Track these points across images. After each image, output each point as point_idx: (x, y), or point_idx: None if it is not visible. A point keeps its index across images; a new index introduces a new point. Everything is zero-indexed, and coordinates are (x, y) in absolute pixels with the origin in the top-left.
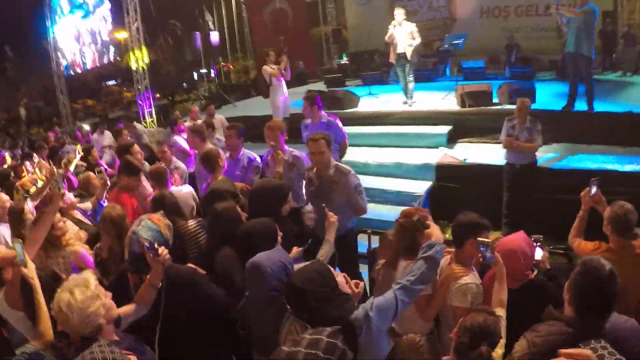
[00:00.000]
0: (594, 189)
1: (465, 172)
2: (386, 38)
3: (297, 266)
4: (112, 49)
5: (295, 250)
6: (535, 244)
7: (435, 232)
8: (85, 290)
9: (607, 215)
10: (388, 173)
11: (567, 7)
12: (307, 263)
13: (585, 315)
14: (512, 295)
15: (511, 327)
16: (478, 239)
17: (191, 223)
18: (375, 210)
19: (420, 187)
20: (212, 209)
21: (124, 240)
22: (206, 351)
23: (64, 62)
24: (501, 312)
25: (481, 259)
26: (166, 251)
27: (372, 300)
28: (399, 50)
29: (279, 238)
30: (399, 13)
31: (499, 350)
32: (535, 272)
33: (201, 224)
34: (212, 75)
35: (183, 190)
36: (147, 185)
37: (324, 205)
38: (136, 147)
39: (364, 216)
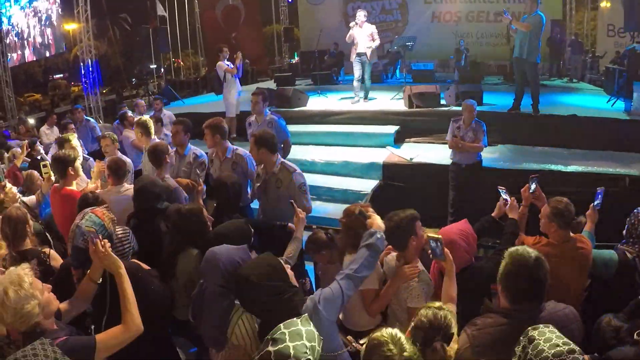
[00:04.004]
0: (533, 186)
1: (411, 171)
2: (347, 38)
3: None
4: (60, 40)
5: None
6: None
7: (376, 221)
8: (19, 290)
9: (549, 212)
10: (335, 171)
11: (518, 21)
12: (259, 256)
13: (518, 303)
14: None
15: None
16: (428, 235)
17: (119, 230)
18: (322, 208)
19: (366, 185)
20: (176, 210)
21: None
22: (148, 345)
23: (11, 54)
24: (452, 307)
25: (431, 256)
26: (108, 244)
27: (319, 292)
28: (359, 50)
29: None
30: (360, 14)
31: (454, 345)
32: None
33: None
34: (162, 71)
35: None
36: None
37: (292, 201)
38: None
39: (311, 213)
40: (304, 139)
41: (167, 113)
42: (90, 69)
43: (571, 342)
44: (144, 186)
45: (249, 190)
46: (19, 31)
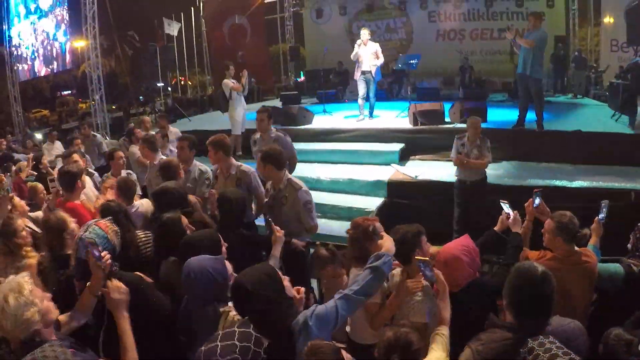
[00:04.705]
0: (537, 200)
1: (416, 188)
2: (352, 56)
3: None
4: (68, 56)
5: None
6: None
7: (386, 243)
8: (18, 297)
9: (553, 226)
10: (340, 189)
11: (522, 37)
12: (257, 265)
13: (524, 318)
14: (456, 297)
15: (456, 329)
16: (417, 257)
17: (140, 234)
18: (327, 226)
19: (372, 203)
20: (158, 218)
21: (66, 246)
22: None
23: (20, 67)
24: (445, 330)
25: (423, 278)
26: (108, 256)
27: (313, 308)
28: (364, 68)
29: (224, 249)
30: (365, 33)
31: None
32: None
33: (150, 237)
34: (169, 89)
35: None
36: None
37: (269, 218)
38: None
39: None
40: (310, 156)
41: (173, 130)
42: (98, 85)
43: (572, 353)
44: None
45: (253, 207)
46: (29, 45)
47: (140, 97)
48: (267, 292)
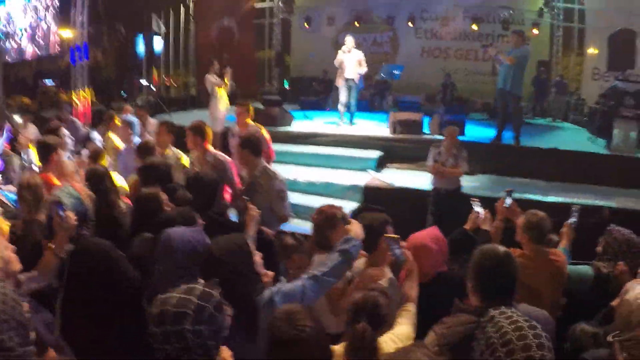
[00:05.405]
0: (508, 200)
1: (391, 195)
2: (335, 62)
3: None
4: (55, 41)
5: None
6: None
7: (354, 227)
8: None
9: (521, 223)
10: (316, 191)
11: (504, 53)
12: (229, 235)
13: (490, 300)
14: (424, 289)
15: (424, 321)
16: (386, 235)
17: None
18: (301, 226)
19: (347, 207)
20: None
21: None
22: (109, 331)
23: (9, 44)
24: (411, 307)
25: (392, 256)
26: (74, 217)
27: (279, 285)
28: (347, 75)
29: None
30: (349, 40)
31: (398, 342)
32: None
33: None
34: (152, 87)
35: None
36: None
37: (246, 198)
38: None
39: (290, 230)
40: (287, 158)
41: (152, 121)
42: (82, 73)
43: (538, 327)
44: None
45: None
46: (20, 27)
47: (123, 92)
48: (235, 262)
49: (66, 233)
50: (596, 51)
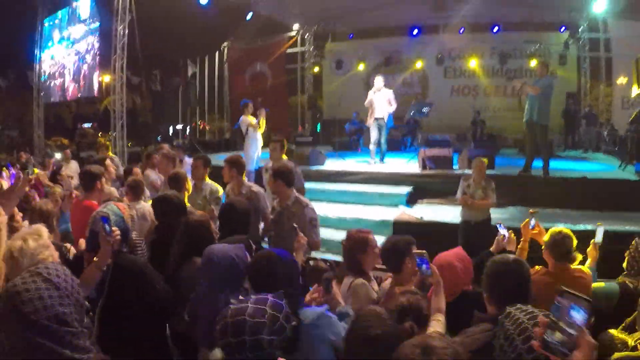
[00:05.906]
0: (533, 221)
1: (421, 229)
2: (365, 103)
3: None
4: (96, 84)
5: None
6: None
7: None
8: (38, 239)
9: (545, 242)
10: (347, 227)
11: (530, 85)
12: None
13: (504, 305)
14: (450, 307)
15: (450, 337)
16: (414, 251)
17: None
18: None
19: (377, 241)
20: (185, 220)
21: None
22: (141, 341)
23: (52, 84)
24: (441, 317)
25: (418, 273)
26: (118, 232)
27: (335, 313)
28: (377, 115)
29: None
30: (379, 80)
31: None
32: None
33: (141, 240)
34: (187, 133)
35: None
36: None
37: (295, 225)
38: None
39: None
40: (319, 195)
41: (188, 160)
42: (121, 115)
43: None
44: (164, 197)
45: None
46: (63, 66)
47: (158, 137)
48: (287, 272)
49: (110, 247)
50: (625, 80)
